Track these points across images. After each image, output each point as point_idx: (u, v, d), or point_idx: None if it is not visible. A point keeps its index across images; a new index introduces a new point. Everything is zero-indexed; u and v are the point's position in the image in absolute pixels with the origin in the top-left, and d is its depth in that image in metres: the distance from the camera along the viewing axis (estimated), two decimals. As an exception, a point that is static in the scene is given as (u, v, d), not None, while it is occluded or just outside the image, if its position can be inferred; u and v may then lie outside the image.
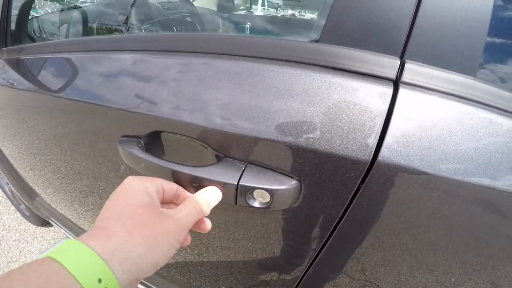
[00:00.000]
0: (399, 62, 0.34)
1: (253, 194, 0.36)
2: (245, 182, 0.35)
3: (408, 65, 0.33)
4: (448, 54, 0.34)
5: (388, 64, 0.34)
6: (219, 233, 0.48)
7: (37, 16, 1.09)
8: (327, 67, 0.34)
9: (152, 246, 0.26)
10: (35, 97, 0.68)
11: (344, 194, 0.35)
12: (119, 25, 0.97)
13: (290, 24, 0.65)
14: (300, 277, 0.46)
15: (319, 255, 0.42)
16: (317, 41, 0.36)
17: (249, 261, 0.50)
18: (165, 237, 0.27)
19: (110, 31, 0.97)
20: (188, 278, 0.66)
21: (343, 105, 0.33)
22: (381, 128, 0.32)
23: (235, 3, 1.40)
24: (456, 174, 0.31)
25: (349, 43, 0.35)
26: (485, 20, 0.33)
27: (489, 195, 0.32)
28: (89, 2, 1.46)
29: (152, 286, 0.77)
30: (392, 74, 0.33)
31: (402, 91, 0.33)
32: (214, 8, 1.32)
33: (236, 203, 0.37)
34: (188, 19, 0.91)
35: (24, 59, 0.75)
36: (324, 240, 0.39)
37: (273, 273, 0.50)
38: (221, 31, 0.81)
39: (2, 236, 1.45)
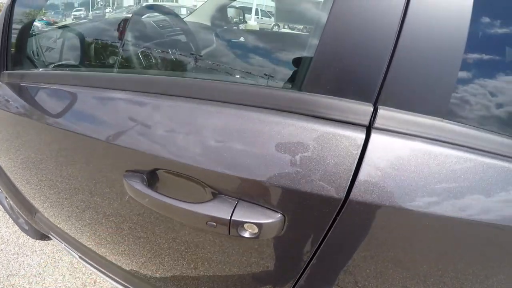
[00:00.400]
0: (372, 109, 0.38)
1: (243, 226, 0.40)
2: (237, 217, 0.39)
3: (381, 111, 0.37)
4: (419, 99, 0.37)
5: (362, 111, 0.38)
6: (214, 256, 0.52)
7: (36, 34, 1.11)
8: (308, 115, 0.39)
9: None
10: (34, 124, 0.71)
11: (321, 225, 0.39)
12: (114, 42, 1.00)
13: (284, 42, 0.68)
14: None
15: (302, 276, 0.47)
16: (300, 89, 0.41)
17: (241, 281, 0.54)
18: None
19: (106, 50, 1.00)
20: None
21: (321, 149, 0.38)
22: (354, 169, 0.37)
23: (229, 15, 1.44)
24: (422, 208, 0.36)
25: (328, 92, 0.39)
26: (454, 67, 0.37)
27: (453, 224, 0.37)
28: (83, 12, 1.49)
29: None
30: (365, 121, 0.38)
31: (373, 136, 0.37)
32: (208, 23, 1.36)
33: (229, 234, 0.41)
34: (183, 39, 0.95)
35: (26, 86, 0.78)
36: (306, 263, 0.44)
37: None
38: (214, 46, 0.86)
39: (1, 250, 1.47)
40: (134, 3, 1.79)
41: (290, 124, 0.39)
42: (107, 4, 1.75)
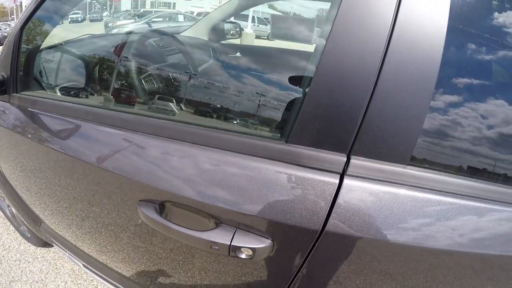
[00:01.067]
0: (345, 159, 0.47)
1: (241, 249, 0.50)
2: (235, 242, 0.50)
3: (353, 161, 0.46)
4: (386, 150, 0.45)
5: (336, 161, 0.47)
6: (211, 269, 0.62)
7: (41, 56, 1.16)
8: (292, 163, 0.49)
9: None
10: (41, 148, 0.78)
11: (303, 249, 0.50)
12: (115, 63, 1.06)
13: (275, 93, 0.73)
14: None
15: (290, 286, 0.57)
16: (286, 140, 0.50)
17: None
18: None
19: (109, 73, 1.06)
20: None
21: (302, 191, 0.47)
22: (328, 208, 0.47)
23: (225, 28, 1.51)
24: (388, 239, 0.45)
25: (310, 144, 0.48)
26: (419, 119, 0.44)
27: (412, 252, 0.46)
28: (80, 15, 1.51)
29: None
30: (339, 169, 0.47)
31: (346, 181, 0.46)
32: (205, 37, 1.41)
33: (229, 255, 0.51)
34: (182, 61, 1.03)
35: (35, 112, 0.84)
36: (292, 279, 0.55)
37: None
38: (211, 62, 0.92)
39: (3, 256, 1.52)
40: (131, 8, 1.82)
41: (277, 171, 0.49)
42: (104, 8, 1.76)
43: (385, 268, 0.49)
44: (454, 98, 0.48)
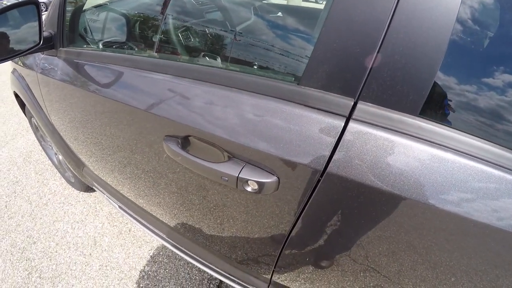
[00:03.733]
0: (352, 103, 0.48)
1: (248, 183, 0.55)
2: (243, 175, 0.54)
3: (360, 106, 0.47)
4: (395, 97, 0.45)
5: (343, 105, 0.48)
6: (225, 209, 0.68)
7: (86, 14, 1.25)
8: (301, 104, 0.52)
9: None
10: (86, 94, 0.87)
11: (307, 188, 0.53)
12: (156, 21, 1.11)
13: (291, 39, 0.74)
14: (284, 239, 0.66)
15: (294, 227, 0.61)
16: (298, 82, 0.53)
17: (246, 231, 0.70)
18: None
19: (148, 28, 1.12)
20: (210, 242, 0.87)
21: (309, 131, 0.50)
22: (331, 149, 0.49)
23: None
24: (387, 186, 0.46)
25: (320, 87, 0.50)
26: (431, 68, 0.43)
27: (407, 204, 0.46)
28: None
29: (179, 246, 0.98)
30: (346, 112, 0.48)
31: (351, 125, 0.48)
32: None
33: (237, 187, 0.56)
34: (219, 18, 1.05)
35: (80, 62, 0.93)
36: (297, 217, 0.58)
37: (263, 240, 0.70)
38: (252, 21, 0.93)
39: (49, 199, 1.74)
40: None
41: (287, 111, 0.52)
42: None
43: (381, 216, 0.50)
44: (473, 45, 0.46)
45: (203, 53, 0.73)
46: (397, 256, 0.53)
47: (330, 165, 0.49)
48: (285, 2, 1.46)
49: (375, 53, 0.45)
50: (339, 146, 0.49)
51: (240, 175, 0.54)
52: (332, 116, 0.50)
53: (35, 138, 2.17)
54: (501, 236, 0.43)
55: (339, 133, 0.49)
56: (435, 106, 0.47)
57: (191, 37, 0.89)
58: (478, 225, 0.43)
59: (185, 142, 0.62)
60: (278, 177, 0.54)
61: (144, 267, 1.37)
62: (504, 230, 0.42)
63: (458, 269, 0.49)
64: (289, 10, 1.09)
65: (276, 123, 0.52)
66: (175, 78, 0.65)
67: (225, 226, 0.76)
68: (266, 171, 0.54)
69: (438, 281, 0.52)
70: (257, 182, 0.54)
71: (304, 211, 0.57)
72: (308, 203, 0.55)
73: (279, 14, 1.01)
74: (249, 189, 0.55)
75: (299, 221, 0.59)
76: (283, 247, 0.67)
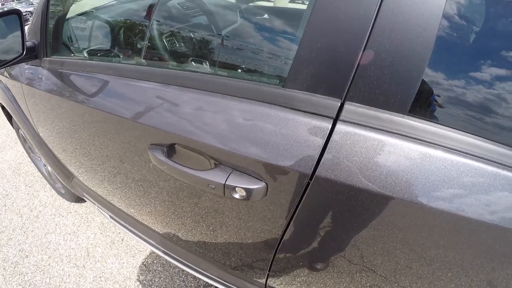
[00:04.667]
0: (339, 104, 0.47)
1: (235, 190, 0.53)
2: (230, 182, 0.53)
3: (347, 106, 0.46)
4: (383, 96, 0.44)
5: (330, 106, 0.47)
6: (215, 217, 0.66)
7: (69, 22, 1.23)
8: (286, 107, 0.50)
9: None
10: (72, 104, 0.85)
11: (296, 193, 0.52)
12: (141, 27, 1.09)
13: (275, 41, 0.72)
14: (277, 244, 0.64)
15: (285, 232, 0.60)
16: (283, 85, 0.52)
17: (236, 237, 0.69)
18: None
19: (133, 35, 1.10)
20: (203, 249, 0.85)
21: (295, 134, 0.49)
22: (319, 153, 0.48)
23: None
24: (378, 187, 0.44)
25: (305, 88, 0.49)
26: (419, 66, 0.42)
27: (398, 204, 0.45)
28: None
29: (173, 255, 0.97)
30: (332, 114, 0.47)
31: (338, 126, 0.47)
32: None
33: (224, 195, 0.55)
34: (204, 22, 1.03)
35: (64, 72, 0.91)
36: (287, 222, 0.57)
37: (255, 246, 0.68)
38: (238, 24, 0.91)
39: (40, 211, 1.70)
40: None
41: (273, 114, 0.51)
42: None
43: (373, 217, 0.49)
44: (461, 40, 0.45)
45: (186, 59, 0.72)
46: (392, 256, 0.52)
47: (318, 168, 0.48)
48: (271, 4, 1.45)
49: (361, 51, 0.44)
50: (327, 149, 0.47)
51: (226, 182, 0.53)
52: (319, 118, 0.48)
53: (24, 150, 2.13)
54: (494, 230, 0.42)
55: (326, 135, 0.48)
56: (424, 104, 0.46)
57: (175, 43, 0.88)
58: (471, 221, 0.43)
59: (170, 150, 0.60)
60: (266, 183, 0.53)
61: (139, 276, 1.35)
62: (497, 225, 0.42)
63: (454, 265, 0.48)
64: (275, 12, 1.08)
65: (261, 127, 0.51)
66: (158, 85, 0.64)
67: (217, 233, 0.74)
68: (253, 177, 0.53)
69: (434, 277, 0.51)
70: (245, 189, 0.52)
71: (295, 215, 0.55)
72: (298, 207, 0.54)
73: (265, 16, 1.00)
74: (237, 196, 0.54)
75: (291, 225, 0.58)
76: (276, 251, 0.66)
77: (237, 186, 0.52)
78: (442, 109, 0.47)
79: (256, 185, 0.52)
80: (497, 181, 0.42)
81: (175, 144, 0.60)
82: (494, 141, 0.44)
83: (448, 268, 0.49)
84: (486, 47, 0.45)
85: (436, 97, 0.47)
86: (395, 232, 0.49)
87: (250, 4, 1.29)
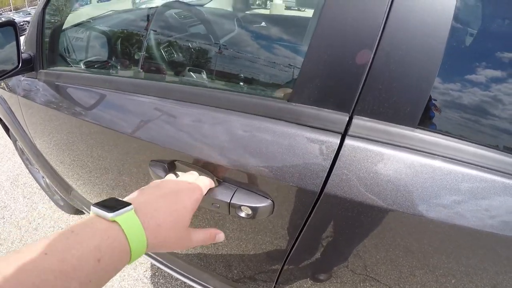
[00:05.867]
0: (347, 118, 0.45)
1: (240, 208, 0.51)
2: (235, 201, 0.50)
3: (355, 121, 0.44)
4: (392, 110, 0.42)
5: (338, 121, 0.45)
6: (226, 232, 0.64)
7: (65, 33, 1.21)
8: (292, 122, 0.48)
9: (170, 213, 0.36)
10: (68, 118, 0.83)
11: (303, 211, 0.50)
12: (138, 38, 1.08)
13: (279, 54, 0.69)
14: (282, 265, 0.62)
15: (292, 250, 0.58)
16: (288, 100, 0.50)
17: (242, 253, 0.66)
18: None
19: (131, 47, 1.09)
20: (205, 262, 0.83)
21: (302, 150, 0.47)
22: (328, 169, 0.45)
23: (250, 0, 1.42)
24: (389, 204, 0.42)
25: (312, 103, 0.47)
26: (428, 77, 0.41)
27: (415, 220, 0.43)
28: None
29: (174, 268, 0.94)
30: (341, 129, 0.45)
31: (347, 142, 0.45)
32: (229, 8, 1.38)
33: (229, 213, 0.52)
34: (202, 32, 1.02)
35: (61, 85, 0.89)
36: (294, 240, 0.55)
37: (261, 262, 0.66)
38: (235, 33, 0.90)
39: (39, 224, 1.67)
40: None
41: (279, 130, 0.49)
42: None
43: (383, 235, 0.48)
44: (471, 50, 0.43)
45: (186, 72, 0.70)
46: (399, 267, 0.50)
47: (327, 185, 0.46)
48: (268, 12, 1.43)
49: (369, 64, 0.42)
50: (335, 165, 0.45)
51: (232, 201, 0.50)
52: (326, 134, 0.46)
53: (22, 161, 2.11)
54: (496, 236, 0.41)
55: (335, 151, 0.46)
56: (434, 116, 0.44)
57: (174, 55, 0.86)
58: (473, 229, 0.41)
59: (171, 168, 0.58)
60: (272, 201, 0.51)
61: (141, 289, 1.31)
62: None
63: (457, 271, 0.47)
64: (278, 21, 1.06)
65: (266, 143, 0.49)
66: (156, 99, 0.61)
67: (223, 250, 0.72)
68: (259, 194, 0.51)
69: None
70: (251, 207, 0.50)
71: (302, 233, 0.53)
72: (306, 226, 0.52)
73: (263, 24, 0.98)
74: (242, 214, 0.52)
75: (297, 243, 0.55)
76: (282, 268, 0.63)
77: (243, 205, 0.50)
78: (452, 121, 0.45)
79: (262, 203, 0.50)
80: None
81: (175, 161, 0.58)
82: (508, 152, 0.43)
83: (452, 274, 0.48)
84: (495, 56, 0.44)
85: (446, 109, 0.45)
86: (406, 246, 0.47)
87: (247, 12, 1.28)
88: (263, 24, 0.95)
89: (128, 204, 0.33)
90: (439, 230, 0.43)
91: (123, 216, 0.31)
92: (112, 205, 0.32)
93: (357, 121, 0.44)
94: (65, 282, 0.24)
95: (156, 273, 1.38)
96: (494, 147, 0.44)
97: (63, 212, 1.72)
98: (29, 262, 0.24)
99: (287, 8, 1.37)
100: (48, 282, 0.24)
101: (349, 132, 0.45)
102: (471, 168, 0.42)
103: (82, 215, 1.70)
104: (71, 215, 1.70)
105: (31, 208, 1.78)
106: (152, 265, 1.41)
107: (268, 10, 1.43)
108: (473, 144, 0.43)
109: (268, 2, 1.43)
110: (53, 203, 1.77)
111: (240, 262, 0.71)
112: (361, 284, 0.56)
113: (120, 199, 0.35)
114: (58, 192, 1.39)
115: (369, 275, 0.54)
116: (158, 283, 1.34)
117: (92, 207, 0.32)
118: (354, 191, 0.45)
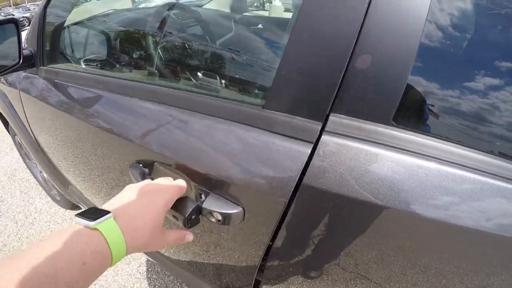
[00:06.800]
0: (320, 128, 0.44)
1: (212, 214, 0.51)
2: (206, 205, 0.51)
3: (332, 118, 0.44)
4: (367, 108, 0.43)
5: (310, 129, 0.45)
6: (206, 240, 0.65)
7: (66, 31, 1.23)
8: (265, 130, 0.48)
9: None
10: (65, 115, 0.85)
11: (274, 218, 0.49)
12: (135, 38, 1.09)
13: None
14: (257, 267, 0.62)
15: (266, 256, 0.57)
16: (263, 106, 0.49)
17: (219, 257, 0.66)
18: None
19: (129, 47, 1.10)
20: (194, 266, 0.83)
21: (273, 158, 0.47)
22: (297, 178, 0.45)
23: (248, 1, 1.44)
24: (359, 196, 0.42)
25: (285, 110, 0.47)
26: (401, 76, 0.41)
27: (385, 213, 0.42)
28: None
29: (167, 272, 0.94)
30: (313, 138, 0.45)
31: (318, 149, 0.44)
32: (227, 10, 1.39)
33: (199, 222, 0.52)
34: (199, 32, 1.02)
35: (60, 82, 0.91)
36: (266, 248, 0.55)
37: (235, 270, 0.66)
38: (233, 34, 0.91)
39: (35, 218, 1.70)
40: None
41: (252, 137, 0.49)
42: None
43: (358, 229, 0.46)
44: (444, 51, 0.43)
45: (162, 74, 0.71)
46: (385, 263, 0.49)
47: (297, 194, 0.46)
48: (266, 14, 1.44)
49: (345, 64, 0.42)
50: (306, 174, 0.45)
51: (203, 206, 0.50)
52: (298, 142, 0.46)
53: (19, 156, 2.15)
54: (483, 236, 0.41)
55: (305, 160, 0.45)
56: (407, 114, 0.44)
57: (164, 57, 0.87)
58: (460, 227, 0.41)
59: (150, 170, 0.59)
60: (243, 208, 0.51)
61: (134, 284, 1.34)
62: (488, 232, 0.40)
63: (448, 271, 0.46)
64: (265, 22, 1.07)
65: (238, 150, 0.49)
66: (144, 101, 0.63)
67: (208, 254, 0.72)
68: (230, 201, 0.51)
69: (429, 284, 0.48)
70: (221, 213, 0.50)
71: (274, 241, 0.53)
72: (278, 233, 0.51)
73: (260, 26, 0.98)
74: (212, 219, 0.52)
75: (271, 252, 0.55)
76: (254, 277, 0.63)
77: (214, 211, 0.50)
78: (424, 118, 0.45)
79: (232, 210, 0.50)
80: (483, 189, 0.41)
81: (154, 162, 0.58)
82: (479, 149, 0.43)
83: (443, 274, 0.47)
84: (467, 54, 0.45)
85: (419, 106, 0.45)
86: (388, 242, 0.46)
87: (245, 14, 1.28)
88: (260, 26, 0.95)
89: (107, 212, 0.36)
90: (415, 222, 0.42)
91: (103, 224, 0.35)
92: (93, 214, 0.36)
93: (334, 118, 0.44)
94: (54, 283, 0.28)
95: (149, 269, 1.39)
96: (459, 142, 0.43)
97: (59, 207, 1.74)
98: (22, 266, 0.28)
99: (286, 10, 1.37)
100: (40, 283, 0.27)
101: (320, 142, 0.45)
102: (441, 164, 0.42)
103: (78, 210, 1.72)
104: (67, 210, 1.72)
105: (28, 203, 1.81)
106: (146, 261, 1.43)
107: (265, 12, 1.43)
108: (444, 141, 0.43)
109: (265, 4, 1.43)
110: (49, 198, 1.80)
111: (217, 267, 0.71)
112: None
113: (100, 208, 0.39)
114: (56, 186, 1.41)
115: (348, 277, 0.53)
116: (151, 278, 1.35)
117: (75, 218, 0.36)
118: (325, 194, 0.44)
